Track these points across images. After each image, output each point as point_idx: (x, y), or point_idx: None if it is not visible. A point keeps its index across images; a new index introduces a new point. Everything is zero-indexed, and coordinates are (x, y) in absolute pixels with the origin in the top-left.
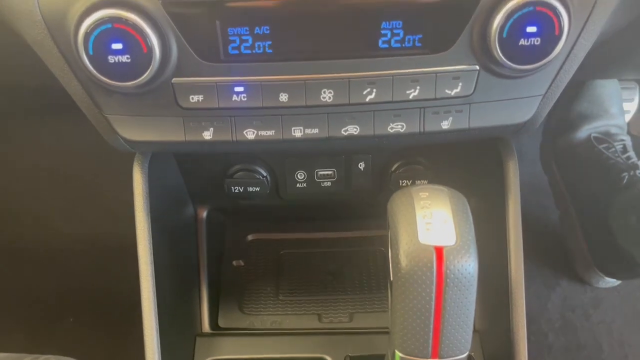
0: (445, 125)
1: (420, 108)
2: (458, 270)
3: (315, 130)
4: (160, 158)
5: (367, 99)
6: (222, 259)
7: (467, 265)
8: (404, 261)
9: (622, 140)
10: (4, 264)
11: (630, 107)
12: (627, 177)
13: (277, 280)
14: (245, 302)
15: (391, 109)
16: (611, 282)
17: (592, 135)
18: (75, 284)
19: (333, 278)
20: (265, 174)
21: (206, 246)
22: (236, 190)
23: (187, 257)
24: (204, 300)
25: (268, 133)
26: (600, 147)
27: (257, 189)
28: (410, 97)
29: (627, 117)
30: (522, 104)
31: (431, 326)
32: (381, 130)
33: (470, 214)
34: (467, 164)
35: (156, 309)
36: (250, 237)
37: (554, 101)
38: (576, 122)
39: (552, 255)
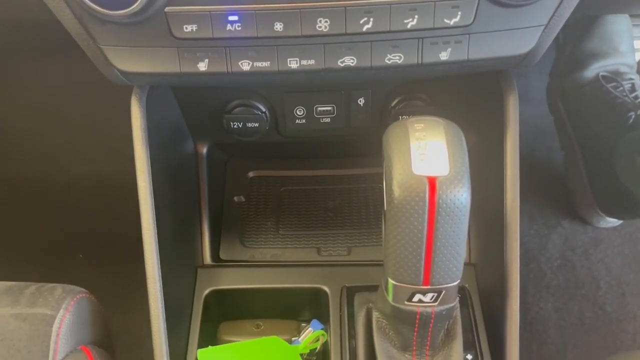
0: (444, 56)
1: (418, 38)
2: (450, 200)
3: (312, 62)
4: (159, 93)
5: (364, 29)
6: (223, 195)
7: (460, 196)
8: (397, 191)
9: (631, 79)
10: (14, 202)
11: None
12: (633, 116)
13: (277, 215)
14: (246, 236)
15: (389, 39)
16: (612, 222)
17: (601, 74)
18: (83, 222)
19: (332, 214)
20: (264, 109)
21: (207, 182)
22: (235, 126)
23: (189, 192)
24: (205, 234)
25: (263, 64)
26: (608, 86)
27: (256, 125)
28: (408, 26)
29: (638, 56)
30: (523, 34)
31: (423, 255)
32: (378, 61)
33: (465, 145)
34: (468, 99)
35: (157, 241)
36: (251, 174)
37: (555, 33)
38: (585, 60)
39: (555, 196)
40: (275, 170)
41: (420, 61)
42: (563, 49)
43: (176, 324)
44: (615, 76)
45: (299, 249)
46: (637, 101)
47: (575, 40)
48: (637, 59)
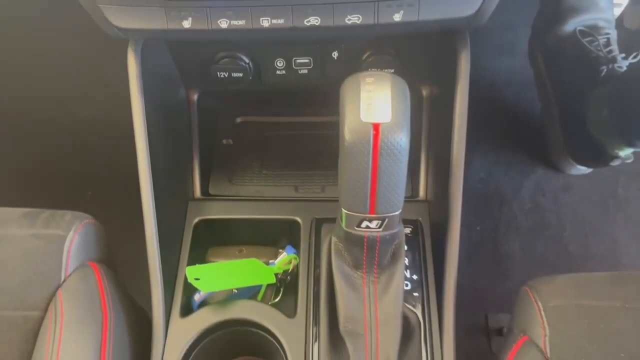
0: (397, 17)
1: (374, 2)
2: (391, 143)
3: (281, 21)
4: (154, 45)
5: None
6: (213, 138)
7: (399, 140)
8: (347, 135)
9: (607, 34)
10: (28, 142)
11: (622, 0)
12: (605, 70)
13: (261, 156)
14: (233, 174)
15: (349, 2)
16: (582, 170)
17: (578, 28)
18: (92, 161)
19: (310, 156)
20: (247, 61)
21: (198, 126)
22: (222, 75)
23: (181, 135)
24: (196, 172)
25: (239, 23)
26: (584, 40)
27: (240, 74)
28: None
29: (619, 10)
30: None
31: (369, 188)
32: (339, 21)
33: (408, 97)
34: (429, 54)
35: (150, 175)
36: (238, 119)
37: None
38: (565, 15)
39: (532, 144)
40: (261, 117)
41: (376, 22)
42: (546, 3)
43: (169, 247)
44: (592, 31)
45: (279, 186)
46: (610, 55)
47: None
48: (618, 14)
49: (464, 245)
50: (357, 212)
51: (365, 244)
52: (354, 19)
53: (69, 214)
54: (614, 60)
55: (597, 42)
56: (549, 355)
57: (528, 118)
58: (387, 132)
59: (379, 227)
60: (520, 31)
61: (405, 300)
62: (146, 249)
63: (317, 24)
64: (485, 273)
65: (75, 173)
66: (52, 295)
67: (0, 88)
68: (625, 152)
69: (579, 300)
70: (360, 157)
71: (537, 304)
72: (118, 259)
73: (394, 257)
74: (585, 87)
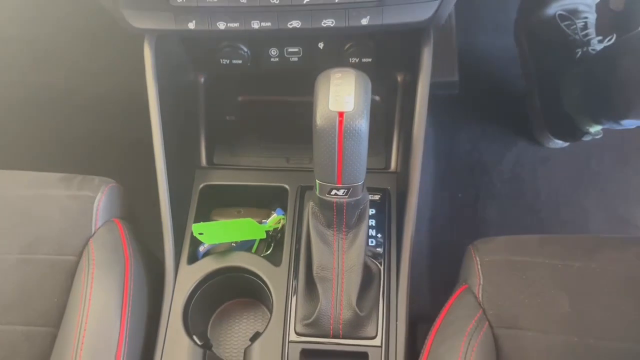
0: (365, 21)
1: (345, 9)
2: (353, 127)
3: (269, 24)
4: (167, 37)
5: (305, 1)
6: (217, 115)
7: (360, 125)
8: (318, 121)
9: (586, 17)
10: (47, 110)
11: None
12: (580, 52)
13: (259, 131)
14: (234, 146)
15: (323, 9)
16: (560, 143)
17: (558, 12)
18: (111, 128)
19: (301, 132)
20: (246, 50)
21: (204, 104)
22: (224, 62)
23: (190, 112)
24: (202, 144)
25: (234, 25)
26: (563, 24)
27: (240, 61)
28: (337, 0)
29: None
30: (423, 6)
31: (336, 163)
32: (316, 24)
33: (369, 89)
34: (402, 47)
35: (164, 147)
36: (240, 98)
37: (453, 3)
38: None
39: (515, 119)
40: (260, 96)
41: (347, 24)
42: None
43: (178, 207)
44: (571, 15)
45: (273, 157)
46: (585, 39)
47: None
48: None
49: (446, 211)
50: (327, 182)
51: (334, 208)
52: (328, 22)
53: (96, 179)
54: (588, 43)
55: (574, 26)
56: (480, 299)
57: (513, 94)
58: (350, 119)
59: (345, 195)
60: (512, 12)
61: (371, 254)
62: (160, 209)
63: (298, 27)
64: (464, 236)
65: (100, 138)
66: (85, 244)
67: (31, 62)
68: (595, 129)
69: (510, 257)
70: (328, 139)
71: (476, 259)
72: (138, 216)
73: (359, 219)
74: (561, 68)
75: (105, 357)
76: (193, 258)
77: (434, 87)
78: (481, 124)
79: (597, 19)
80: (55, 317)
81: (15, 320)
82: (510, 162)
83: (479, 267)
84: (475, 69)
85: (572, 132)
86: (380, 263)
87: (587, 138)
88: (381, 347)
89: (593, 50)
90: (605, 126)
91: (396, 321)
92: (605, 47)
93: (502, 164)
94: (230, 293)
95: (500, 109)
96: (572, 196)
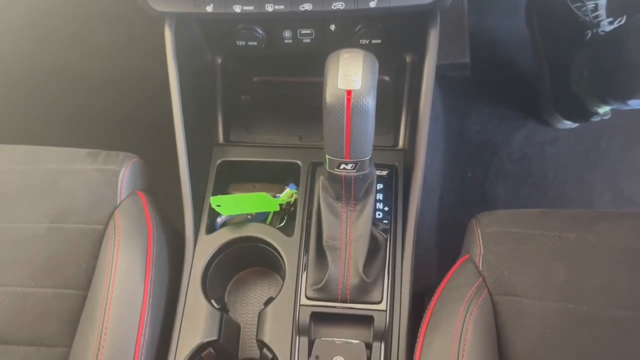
0: (372, 4)
1: None
2: (360, 105)
3: (282, 6)
4: (186, 20)
5: None
6: (234, 95)
7: (367, 102)
8: (328, 98)
9: (596, 0)
10: (73, 89)
11: None
12: (589, 34)
13: (273, 110)
14: (250, 125)
15: None
16: (569, 124)
17: None
18: (134, 108)
19: (313, 111)
20: (261, 32)
21: (221, 84)
22: (240, 44)
23: (208, 92)
24: (220, 122)
25: (249, 7)
26: (573, 6)
27: (255, 43)
28: None
29: None
30: None
31: (344, 139)
32: (327, 7)
33: (376, 69)
34: (410, 29)
35: (183, 125)
36: (255, 79)
37: None
38: None
39: (525, 100)
40: (275, 77)
41: (356, 7)
42: None
43: (197, 181)
44: None
45: (287, 135)
46: (595, 21)
47: None
48: None
49: (455, 190)
50: (336, 157)
51: (343, 182)
52: (338, 5)
53: (121, 154)
54: (598, 25)
55: (585, 8)
56: (480, 268)
57: (523, 76)
58: (358, 96)
59: (353, 169)
60: None
61: (377, 225)
62: (180, 183)
63: (309, 9)
64: (472, 214)
65: (123, 120)
66: (111, 214)
67: (53, 46)
68: (603, 110)
69: (510, 229)
70: (337, 115)
71: (477, 230)
72: (158, 190)
73: (367, 192)
74: (571, 49)
75: (130, 316)
76: (211, 228)
77: (445, 69)
78: (491, 104)
79: (608, 1)
80: (84, 281)
81: (47, 283)
82: (519, 142)
83: (480, 238)
84: (486, 50)
85: (581, 113)
86: (387, 234)
87: (595, 119)
88: (386, 311)
89: (602, 31)
90: (614, 107)
91: (401, 287)
92: (614, 29)
93: (511, 144)
94: (245, 262)
95: (511, 90)
96: (580, 176)
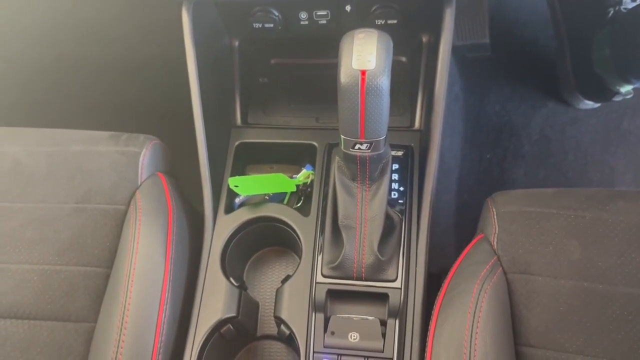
0: None
1: None
2: (374, 85)
3: None
4: (203, 4)
5: None
6: (251, 77)
7: (381, 82)
8: (342, 79)
9: None
10: (95, 76)
11: None
12: (612, 12)
13: (290, 92)
14: (267, 107)
15: None
16: (589, 104)
17: None
18: (154, 93)
19: (329, 93)
20: (277, 14)
21: (239, 67)
22: (257, 26)
23: (226, 75)
24: (237, 104)
25: None
26: None
27: (272, 25)
28: None
29: None
30: None
31: (359, 119)
32: None
33: (390, 49)
34: (426, 9)
35: (201, 108)
36: (272, 61)
37: None
38: None
39: (545, 80)
40: (291, 59)
41: None
42: None
43: (216, 162)
44: None
45: (303, 117)
46: None
47: None
48: None
49: (474, 171)
50: (351, 137)
51: (358, 162)
52: None
53: (141, 137)
54: (620, 2)
55: None
56: (495, 247)
57: (543, 56)
58: (372, 77)
59: (368, 149)
60: None
61: (392, 205)
62: (199, 164)
63: None
64: (490, 194)
65: (143, 104)
66: (132, 195)
67: (75, 35)
68: (626, 89)
69: (524, 208)
70: (352, 96)
71: (492, 210)
72: (178, 171)
73: (382, 172)
74: (593, 27)
75: (151, 293)
76: (230, 208)
77: (465, 49)
78: (511, 85)
79: None
80: (107, 259)
81: (73, 261)
82: (539, 123)
83: (495, 217)
84: (506, 30)
85: (603, 93)
86: (402, 213)
87: (617, 98)
88: (400, 288)
89: (625, 9)
90: (636, 86)
91: (416, 266)
92: (637, 5)
93: (530, 125)
94: (263, 241)
95: (531, 70)
96: (600, 156)
